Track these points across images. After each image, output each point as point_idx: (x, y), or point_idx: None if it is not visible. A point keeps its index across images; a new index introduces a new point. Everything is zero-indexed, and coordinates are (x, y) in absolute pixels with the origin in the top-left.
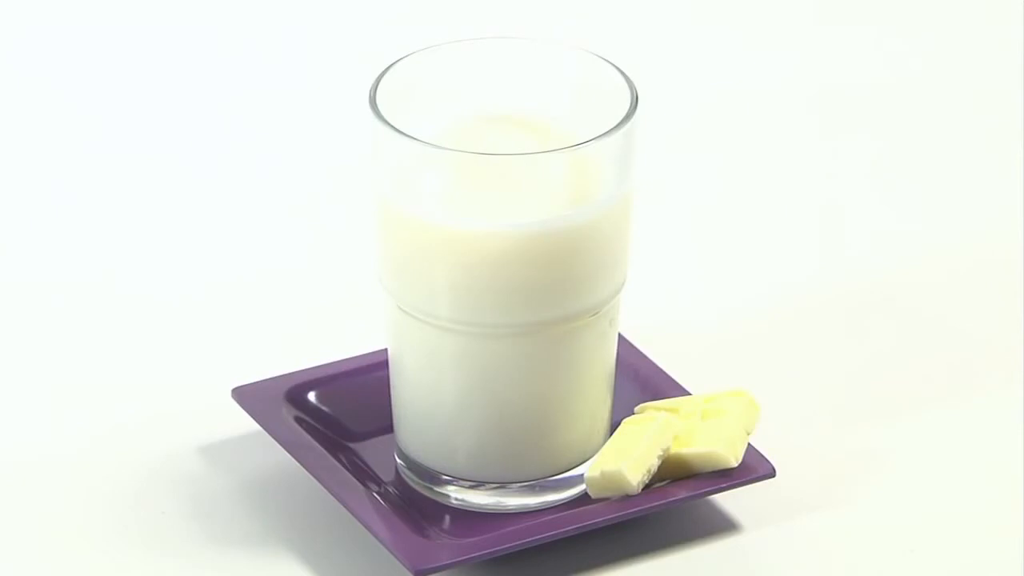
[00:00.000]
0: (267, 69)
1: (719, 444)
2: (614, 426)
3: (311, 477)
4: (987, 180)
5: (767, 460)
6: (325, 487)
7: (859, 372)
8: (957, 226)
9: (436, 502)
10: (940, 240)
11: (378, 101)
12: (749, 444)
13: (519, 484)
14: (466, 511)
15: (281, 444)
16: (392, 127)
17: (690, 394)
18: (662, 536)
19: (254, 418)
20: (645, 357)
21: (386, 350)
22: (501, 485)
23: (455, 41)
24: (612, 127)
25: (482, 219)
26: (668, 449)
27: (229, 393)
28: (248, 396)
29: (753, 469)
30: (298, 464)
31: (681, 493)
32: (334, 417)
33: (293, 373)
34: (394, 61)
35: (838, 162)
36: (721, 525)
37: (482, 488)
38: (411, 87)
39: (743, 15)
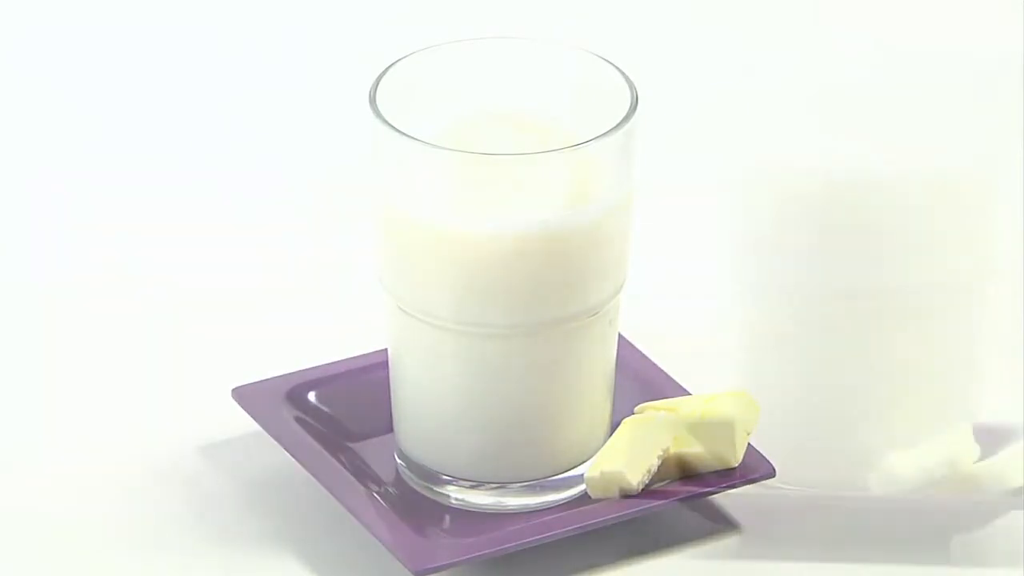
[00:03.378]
0: (267, 69)
1: (719, 444)
2: (614, 426)
3: (311, 477)
4: (987, 180)
5: (767, 460)
6: (325, 487)
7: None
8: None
9: (436, 502)
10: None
11: (378, 101)
12: (749, 444)
13: (519, 484)
14: (466, 511)
15: (281, 444)
16: (392, 127)
17: (690, 394)
18: (662, 536)
19: (254, 418)
20: (645, 357)
21: (386, 350)
22: (501, 485)
23: (455, 41)
24: (612, 127)
25: (482, 219)
26: (668, 449)
27: (229, 393)
28: (248, 396)
29: (753, 469)
30: (298, 464)
31: (681, 493)
32: (334, 417)
33: (293, 373)
34: (394, 61)
35: (838, 162)
36: (721, 525)
37: (482, 488)
38: (411, 87)
39: (743, 15)
